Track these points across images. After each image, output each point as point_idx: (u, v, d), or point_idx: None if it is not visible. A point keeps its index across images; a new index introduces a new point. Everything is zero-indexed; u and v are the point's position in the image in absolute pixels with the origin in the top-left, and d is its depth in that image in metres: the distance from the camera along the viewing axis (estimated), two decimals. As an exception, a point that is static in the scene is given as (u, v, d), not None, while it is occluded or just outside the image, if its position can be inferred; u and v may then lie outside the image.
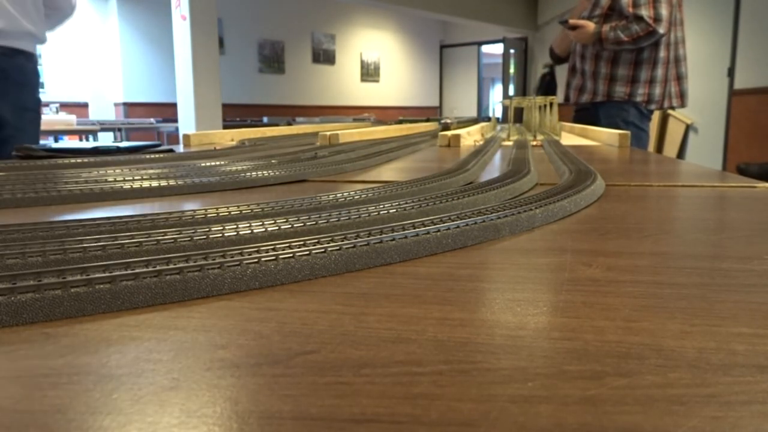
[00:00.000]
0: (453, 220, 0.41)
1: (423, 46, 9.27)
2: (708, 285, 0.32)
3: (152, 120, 5.49)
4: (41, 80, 2.44)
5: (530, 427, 0.17)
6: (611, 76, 2.12)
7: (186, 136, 1.50)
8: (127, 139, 4.88)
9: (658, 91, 2.09)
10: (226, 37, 6.92)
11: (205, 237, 0.37)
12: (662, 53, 2.07)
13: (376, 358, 0.22)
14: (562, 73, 2.42)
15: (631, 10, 1.97)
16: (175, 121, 4.80)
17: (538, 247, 0.41)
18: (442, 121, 2.16)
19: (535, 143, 1.40)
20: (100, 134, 4.46)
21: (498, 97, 11.98)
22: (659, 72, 2.08)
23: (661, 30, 1.95)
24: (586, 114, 2.26)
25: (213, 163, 0.82)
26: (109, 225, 0.41)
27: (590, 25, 2.07)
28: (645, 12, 1.94)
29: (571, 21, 2.12)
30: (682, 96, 2.16)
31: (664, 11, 1.95)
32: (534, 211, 0.47)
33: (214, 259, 0.30)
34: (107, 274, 0.28)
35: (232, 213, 0.46)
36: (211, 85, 4.52)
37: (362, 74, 8.64)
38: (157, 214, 0.43)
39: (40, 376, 0.21)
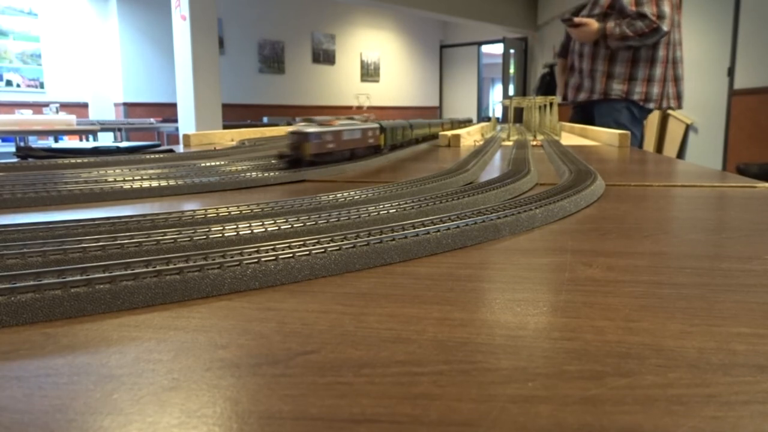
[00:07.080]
0: (453, 220, 0.41)
1: (423, 46, 9.26)
2: (708, 285, 0.32)
3: (152, 120, 5.48)
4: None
5: (530, 427, 0.17)
6: (609, 73, 2.12)
7: (186, 137, 1.50)
8: (127, 139, 4.88)
9: (656, 90, 2.09)
10: (226, 37, 6.91)
11: (205, 237, 0.37)
12: (661, 52, 2.07)
13: (376, 358, 0.22)
14: (562, 73, 2.42)
15: (634, 8, 1.98)
16: (175, 121, 4.80)
17: (538, 247, 0.41)
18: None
19: (535, 143, 1.40)
20: (100, 134, 4.45)
21: (498, 97, 11.96)
22: (657, 71, 2.08)
23: (665, 27, 1.96)
24: (583, 113, 2.26)
25: (213, 163, 0.82)
26: (109, 225, 0.41)
27: (594, 23, 2.07)
28: (648, 9, 1.95)
29: (576, 19, 2.12)
30: (679, 98, 2.17)
31: (666, 9, 1.96)
32: (534, 211, 0.47)
33: (213, 259, 0.30)
34: (107, 274, 0.28)
35: (232, 213, 0.46)
36: (211, 85, 4.52)
37: (362, 74, 8.63)
38: (157, 214, 0.43)
39: (40, 376, 0.21)
